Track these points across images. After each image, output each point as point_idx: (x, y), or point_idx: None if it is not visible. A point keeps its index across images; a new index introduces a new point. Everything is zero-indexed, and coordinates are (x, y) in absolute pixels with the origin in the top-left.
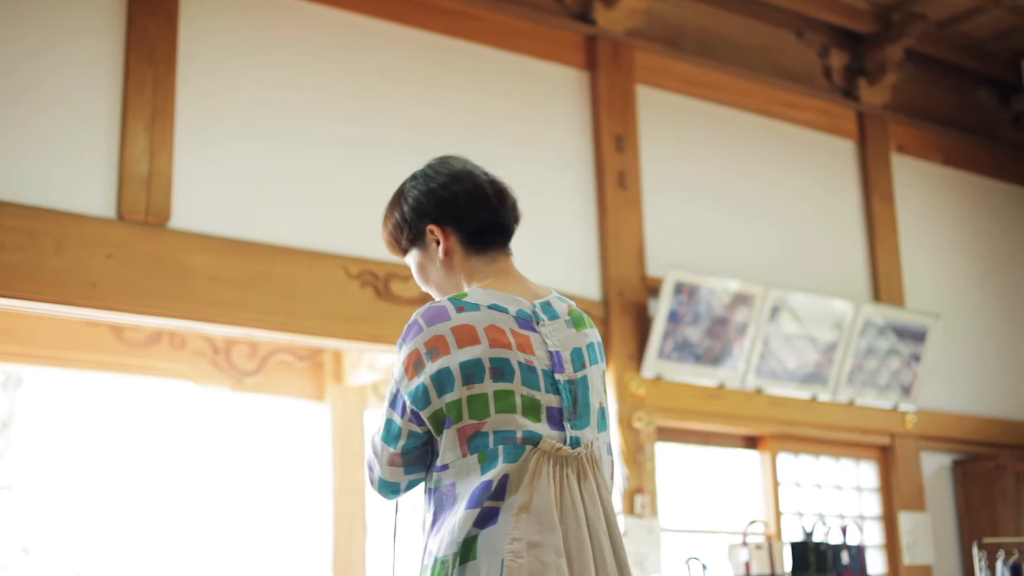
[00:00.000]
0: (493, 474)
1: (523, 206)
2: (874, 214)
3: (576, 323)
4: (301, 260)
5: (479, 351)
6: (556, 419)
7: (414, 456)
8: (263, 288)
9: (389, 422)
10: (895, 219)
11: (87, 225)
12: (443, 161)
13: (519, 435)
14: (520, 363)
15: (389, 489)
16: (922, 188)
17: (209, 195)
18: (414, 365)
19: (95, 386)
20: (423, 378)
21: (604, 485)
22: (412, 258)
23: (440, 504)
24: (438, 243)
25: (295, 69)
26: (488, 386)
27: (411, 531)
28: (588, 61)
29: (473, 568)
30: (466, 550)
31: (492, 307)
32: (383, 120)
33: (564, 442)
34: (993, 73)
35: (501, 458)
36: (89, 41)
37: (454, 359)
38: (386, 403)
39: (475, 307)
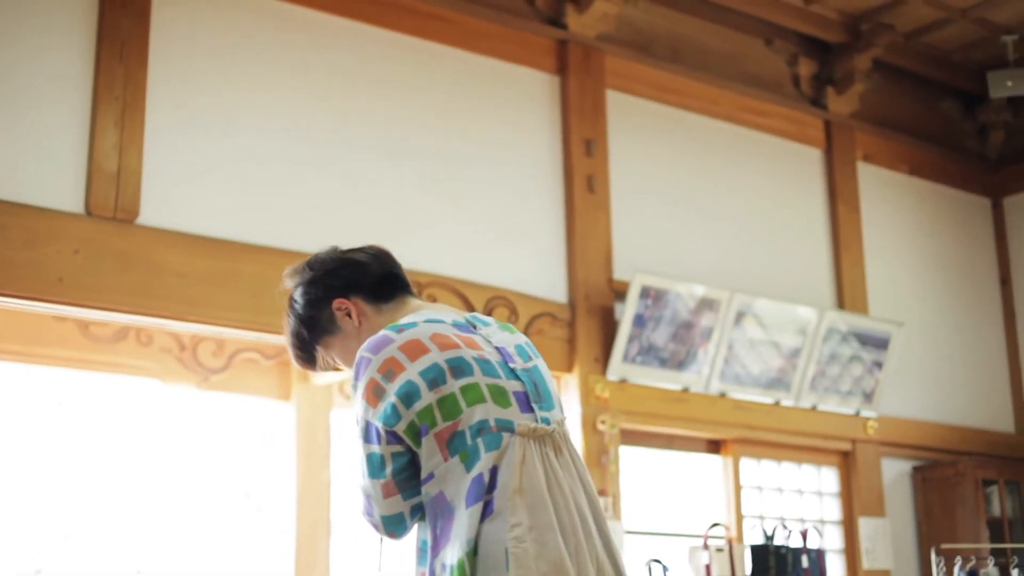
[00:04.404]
0: (480, 467)
1: (492, 209)
2: (839, 222)
3: (507, 329)
4: (270, 258)
5: (433, 357)
6: (524, 402)
7: (405, 478)
8: (231, 286)
9: (369, 456)
10: (860, 227)
11: (55, 220)
12: (315, 257)
13: (493, 423)
14: (474, 358)
15: (395, 524)
16: (887, 197)
17: (178, 192)
18: (374, 392)
19: (61, 382)
20: (389, 399)
21: (579, 459)
22: (332, 349)
23: (435, 516)
24: (349, 314)
25: (266, 67)
26: (452, 385)
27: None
28: (559, 65)
29: (481, 563)
30: (476, 548)
31: (428, 321)
32: (353, 120)
33: (536, 423)
34: (959, 84)
35: (483, 450)
36: (60, 35)
37: (412, 371)
38: (360, 441)
39: (413, 324)
